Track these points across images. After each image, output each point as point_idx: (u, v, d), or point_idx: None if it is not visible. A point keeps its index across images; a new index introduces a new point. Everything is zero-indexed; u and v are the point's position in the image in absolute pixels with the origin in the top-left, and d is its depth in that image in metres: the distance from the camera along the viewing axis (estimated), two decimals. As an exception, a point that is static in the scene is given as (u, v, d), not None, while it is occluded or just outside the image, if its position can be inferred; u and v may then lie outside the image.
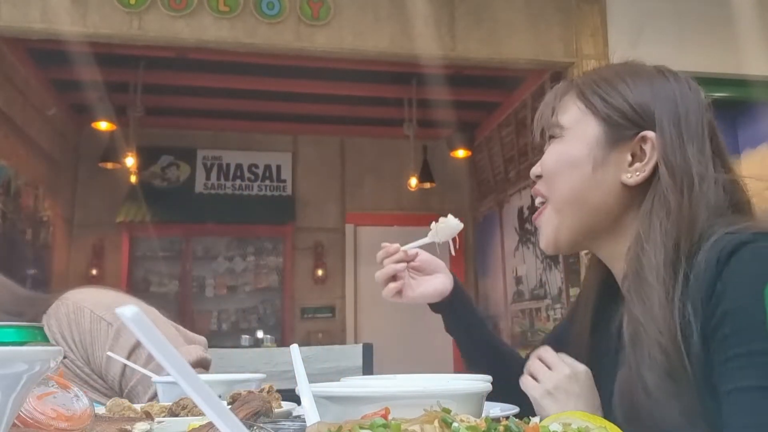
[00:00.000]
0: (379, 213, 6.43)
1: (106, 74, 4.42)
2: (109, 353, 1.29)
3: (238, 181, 6.42)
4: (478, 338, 1.25)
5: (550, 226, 1.00)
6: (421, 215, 6.46)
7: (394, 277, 1.22)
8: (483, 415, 0.72)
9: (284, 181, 6.42)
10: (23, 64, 4.70)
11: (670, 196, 0.89)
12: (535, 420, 0.56)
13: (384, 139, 6.32)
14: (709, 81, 4.15)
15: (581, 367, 0.94)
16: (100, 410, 0.86)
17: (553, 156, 0.99)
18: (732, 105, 4.35)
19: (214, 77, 5.07)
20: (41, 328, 0.77)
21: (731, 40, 4.03)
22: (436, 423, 0.52)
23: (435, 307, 1.27)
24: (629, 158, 0.94)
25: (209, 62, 4.67)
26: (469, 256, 6.49)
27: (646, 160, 0.93)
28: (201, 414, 0.73)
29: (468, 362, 1.27)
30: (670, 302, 0.82)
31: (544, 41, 4.11)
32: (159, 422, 0.78)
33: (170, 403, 0.91)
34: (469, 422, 0.53)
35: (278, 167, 6.45)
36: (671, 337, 0.80)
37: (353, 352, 2.02)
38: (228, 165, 6.43)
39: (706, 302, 0.79)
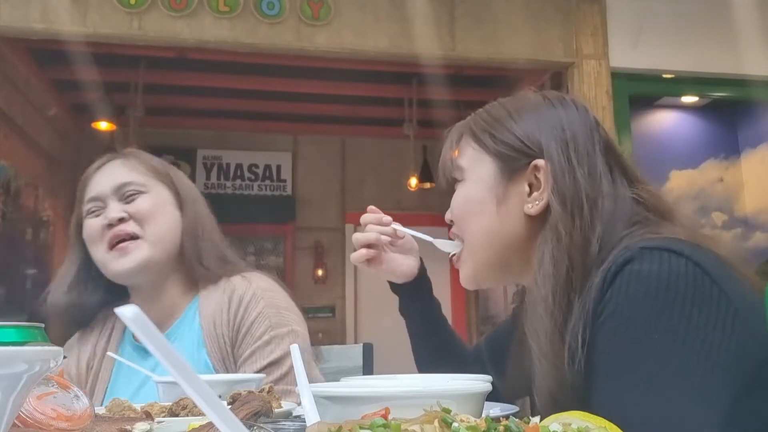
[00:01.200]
0: (379, 213, 6.43)
1: (106, 74, 4.42)
2: (109, 353, 1.29)
3: (238, 181, 6.42)
4: (431, 323, 1.29)
5: (468, 267, 1.04)
6: (421, 215, 6.46)
7: (370, 245, 1.21)
8: (483, 414, 0.72)
9: (284, 181, 6.42)
10: (23, 64, 4.70)
11: (560, 224, 0.89)
12: (535, 420, 0.56)
13: (384, 138, 6.32)
14: (709, 81, 4.16)
15: None
16: (100, 410, 0.86)
17: (458, 200, 1.02)
18: (732, 105, 4.35)
19: (214, 77, 5.07)
20: (41, 328, 0.77)
21: (731, 40, 4.03)
22: (436, 423, 0.52)
23: (396, 286, 1.28)
24: (527, 189, 0.95)
25: (209, 62, 4.66)
26: (469, 256, 6.49)
27: (542, 189, 0.94)
28: (201, 414, 0.73)
29: (415, 345, 1.31)
30: (559, 334, 0.82)
31: (544, 41, 4.11)
32: (159, 422, 0.78)
33: (170, 403, 0.91)
34: (469, 422, 0.53)
35: (278, 167, 6.45)
36: (560, 370, 0.80)
37: (353, 352, 2.02)
38: (228, 165, 6.43)
39: (594, 319, 0.79)
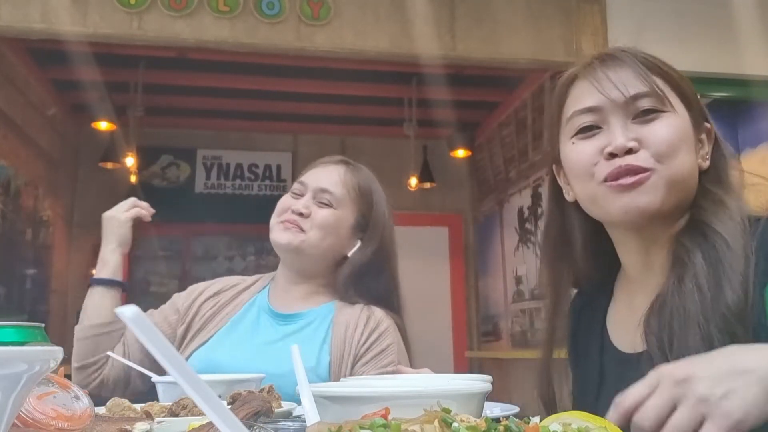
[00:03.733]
0: (379, 213, 6.43)
1: (106, 74, 4.42)
2: (109, 353, 1.29)
3: (238, 181, 6.41)
4: None
5: (658, 194, 0.94)
6: (421, 215, 6.46)
7: None
8: (483, 415, 0.72)
9: (284, 180, 6.41)
10: (23, 64, 4.70)
11: (720, 180, 0.99)
12: (535, 420, 0.56)
13: (384, 138, 6.31)
14: (709, 81, 4.15)
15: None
16: (100, 410, 0.86)
17: (672, 129, 0.96)
18: (732, 105, 4.35)
19: (214, 77, 5.07)
20: (41, 328, 0.77)
21: (731, 40, 4.03)
22: (436, 423, 0.52)
23: None
24: (700, 144, 1.00)
25: (209, 62, 4.66)
26: (469, 256, 6.49)
27: (707, 149, 1.01)
28: (201, 414, 0.73)
29: None
30: (748, 245, 0.88)
31: (544, 41, 4.11)
32: (159, 422, 0.78)
33: (170, 403, 0.91)
34: (469, 422, 0.53)
35: (278, 167, 6.45)
36: (748, 267, 0.86)
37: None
38: (228, 165, 6.43)
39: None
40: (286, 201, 1.61)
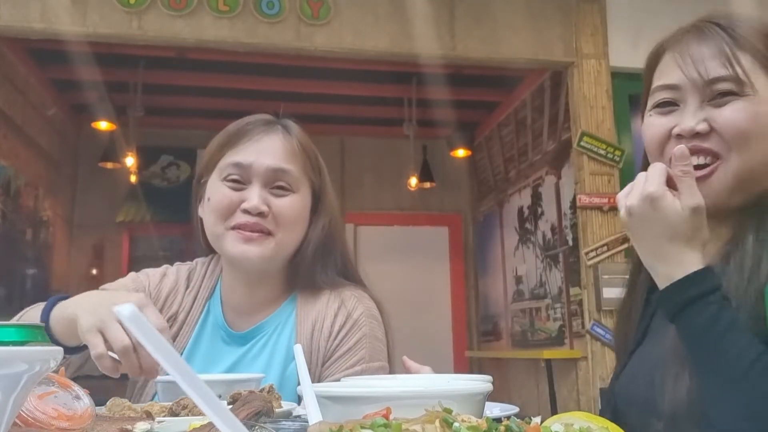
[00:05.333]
0: (379, 212, 6.43)
1: (106, 74, 4.42)
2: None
3: (238, 181, 6.41)
4: None
5: (724, 190, 0.90)
6: (421, 215, 6.47)
7: None
8: (484, 415, 0.72)
9: (284, 180, 6.41)
10: (23, 63, 4.70)
11: None
12: (536, 420, 0.56)
13: (384, 138, 6.32)
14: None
15: (668, 194, 0.82)
16: (101, 410, 0.86)
17: (746, 114, 0.90)
18: (732, 104, 4.34)
19: (214, 77, 5.07)
20: (41, 328, 0.76)
21: (731, 40, 4.03)
22: (437, 423, 0.52)
23: None
24: None
25: (209, 62, 4.66)
26: (469, 256, 6.49)
27: None
28: (202, 414, 0.73)
29: None
30: None
31: (544, 40, 4.11)
32: (160, 422, 0.78)
33: (171, 403, 0.91)
34: (470, 422, 0.53)
35: (278, 167, 6.44)
36: None
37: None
38: (228, 165, 6.43)
39: None
40: (225, 195, 1.27)
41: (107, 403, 0.89)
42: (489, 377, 0.83)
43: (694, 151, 0.90)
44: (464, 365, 6.10)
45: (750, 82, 0.90)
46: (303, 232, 1.33)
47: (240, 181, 1.27)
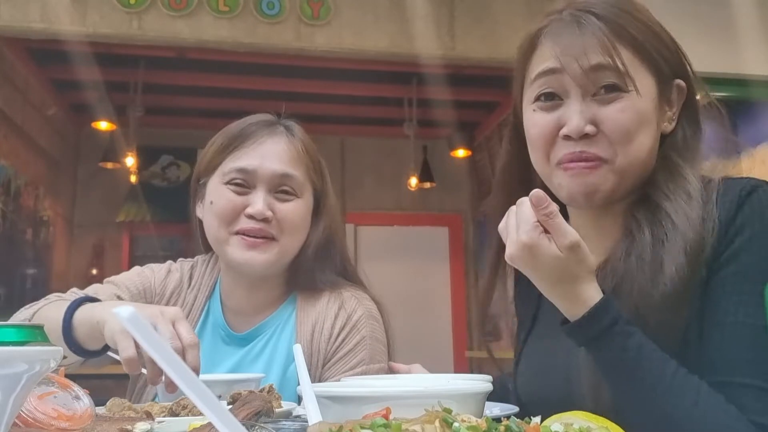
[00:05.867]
0: (379, 213, 6.43)
1: (106, 74, 4.41)
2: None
3: (238, 181, 6.41)
4: None
5: (606, 187, 0.92)
6: (421, 215, 6.47)
7: None
8: (484, 415, 0.72)
9: (284, 180, 6.41)
10: (23, 63, 4.70)
11: (685, 146, 0.96)
12: (536, 420, 0.56)
13: (384, 138, 6.32)
14: (709, 81, 4.14)
15: (542, 241, 0.81)
16: (101, 410, 0.86)
17: (628, 113, 0.90)
18: (732, 105, 4.34)
19: (214, 77, 5.07)
20: (41, 328, 0.76)
21: (731, 40, 4.03)
22: (437, 423, 0.52)
23: None
24: (666, 108, 0.96)
25: (209, 62, 4.66)
26: (469, 256, 6.49)
27: (675, 109, 0.97)
28: (202, 414, 0.73)
29: None
30: (700, 219, 0.86)
31: (544, 41, 4.10)
32: (159, 422, 0.78)
33: (171, 403, 0.91)
34: (470, 422, 0.53)
35: (278, 167, 6.44)
36: (698, 239, 0.84)
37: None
38: (228, 165, 6.42)
39: (723, 233, 0.85)
40: (229, 200, 1.25)
41: (107, 403, 0.89)
42: (489, 377, 0.83)
43: (581, 158, 0.91)
44: (464, 365, 6.10)
45: (630, 75, 0.90)
46: (305, 236, 1.32)
47: (244, 185, 1.25)
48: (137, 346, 0.98)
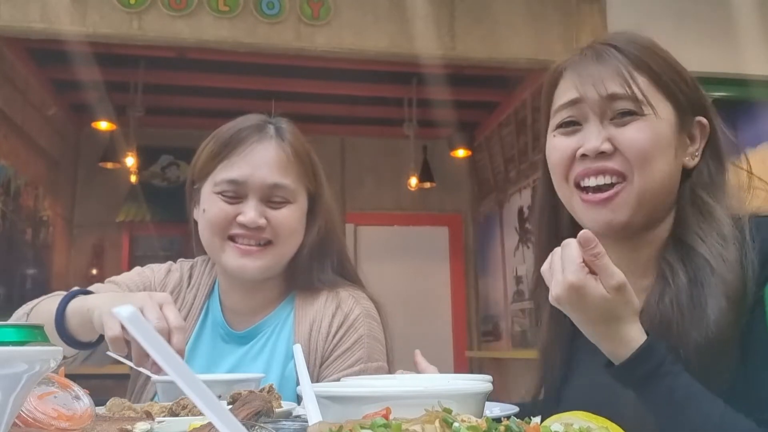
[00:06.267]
0: (379, 213, 6.43)
1: (106, 74, 4.41)
2: (109, 352, 1.26)
3: (238, 181, 6.40)
4: None
5: (627, 210, 0.93)
6: (421, 215, 6.47)
7: None
8: (484, 415, 0.72)
9: (284, 180, 6.41)
10: (23, 63, 4.70)
11: (712, 181, 0.96)
12: (536, 420, 0.56)
13: (384, 138, 6.32)
14: (709, 81, 4.15)
15: (590, 281, 0.81)
16: (101, 410, 0.86)
17: (646, 135, 0.92)
18: (732, 105, 4.35)
19: (214, 77, 5.07)
20: (41, 328, 0.76)
21: (731, 40, 4.03)
22: (437, 423, 0.52)
23: None
24: (688, 142, 0.97)
25: (209, 62, 4.66)
26: (469, 256, 6.49)
27: (698, 145, 0.98)
28: (202, 414, 0.73)
29: None
30: (737, 262, 0.87)
31: (543, 41, 4.10)
32: (159, 422, 0.78)
33: (170, 403, 0.91)
34: (470, 422, 0.53)
35: (278, 167, 6.44)
36: (738, 282, 0.85)
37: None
38: (228, 165, 6.42)
39: (762, 277, 0.85)
40: (221, 209, 1.25)
41: (107, 403, 0.89)
42: (489, 377, 0.83)
43: (599, 171, 0.93)
44: (464, 365, 6.10)
45: (647, 101, 0.92)
46: (301, 238, 1.31)
47: (233, 195, 1.25)
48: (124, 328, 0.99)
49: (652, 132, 0.92)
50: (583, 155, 0.94)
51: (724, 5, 4.01)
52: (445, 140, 5.91)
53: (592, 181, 0.94)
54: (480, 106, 5.89)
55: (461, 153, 5.93)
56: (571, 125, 0.97)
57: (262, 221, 1.24)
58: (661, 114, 0.93)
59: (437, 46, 3.97)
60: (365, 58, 4.11)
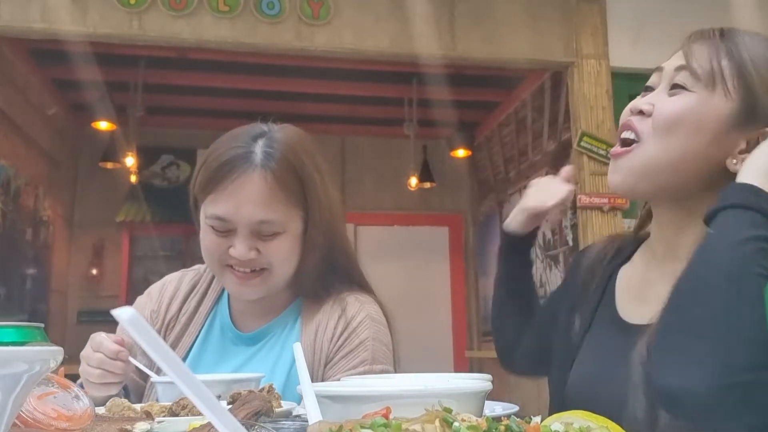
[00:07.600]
0: (379, 212, 6.43)
1: (107, 74, 4.42)
2: (129, 359, 1.25)
3: (238, 181, 6.40)
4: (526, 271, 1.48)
5: (626, 172, 0.95)
6: (421, 215, 6.47)
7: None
8: (484, 414, 0.72)
9: (284, 180, 6.41)
10: (23, 63, 4.70)
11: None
12: (536, 419, 0.56)
13: (384, 138, 6.32)
14: (709, 80, 4.16)
15: None
16: (101, 410, 0.86)
17: (676, 106, 0.92)
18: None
19: (214, 77, 5.07)
20: (41, 328, 0.76)
21: (731, 40, 4.03)
22: (437, 422, 0.52)
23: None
24: (743, 146, 0.91)
25: (209, 62, 4.66)
26: (469, 256, 6.49)
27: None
28: (201, 414, 0.73)
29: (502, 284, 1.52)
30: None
31: (544, 41, 4.11)
32: (159, 422, 0.78)
33: (170, 403, 0.91)
34: (470, 421, 0.53)
35: (278, 167, 6.44)
36: None
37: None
38: (228, 165, 6.42)
39: None
40: (212, 241, 1.26)
41: (107, 403, 0.89)
42: (489, 376, 0.83)
43: (625, 127, 0.96)
44: (464, 365, 6.10)
45: (705, 81, 0.91)
46: (297, 260, 1.30)
47: (221, 230, 1.24)
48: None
49: (684, 106, 0.91)
50: (630, 110, 0.98)
51: (724, 5, 4.01)
52: (445, 140, 5.91)
53: (623, 134, 0.97)
54: (480, 106, 5.89)
55: (461, 153, 5.92)
56: (647, 90, 1.00)
57: (253, 254, 1.24)
58: (713, 100, 0.90)
59: (437, 46, 3.97)
60: (365, 58, 4.11)
